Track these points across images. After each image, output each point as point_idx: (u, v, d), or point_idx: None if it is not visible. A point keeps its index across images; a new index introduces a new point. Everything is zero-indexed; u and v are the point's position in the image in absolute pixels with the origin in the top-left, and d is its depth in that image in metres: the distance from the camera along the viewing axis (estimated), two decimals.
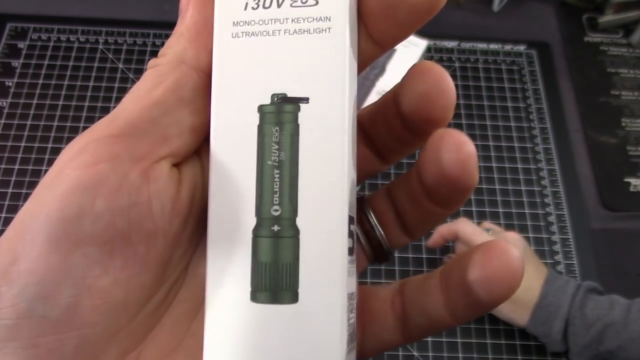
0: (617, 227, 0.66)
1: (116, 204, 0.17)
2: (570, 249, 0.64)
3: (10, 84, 0.70)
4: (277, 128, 0.18)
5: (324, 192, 0.18)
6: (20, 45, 0.73)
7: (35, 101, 0.69)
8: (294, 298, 0.18)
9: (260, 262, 0.18)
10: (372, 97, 0.63)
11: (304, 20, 0.18)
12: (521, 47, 0.78)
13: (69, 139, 0.66)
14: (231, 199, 0.18)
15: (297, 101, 0.18)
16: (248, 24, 0.19)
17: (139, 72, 0.72)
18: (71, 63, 0.73)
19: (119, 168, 0.17)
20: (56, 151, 0.66)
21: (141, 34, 0.76)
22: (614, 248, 0.64)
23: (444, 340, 0.58)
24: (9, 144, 0.66)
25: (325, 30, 0.18)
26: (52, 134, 0.67)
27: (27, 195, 0.63)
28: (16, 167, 0.65)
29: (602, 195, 0.67)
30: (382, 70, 0.65)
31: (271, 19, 0.18)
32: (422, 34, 0.73)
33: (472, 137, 0.69)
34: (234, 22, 0.19)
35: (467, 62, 0.76)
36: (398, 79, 0.20)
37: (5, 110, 0.68)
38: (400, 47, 0.67)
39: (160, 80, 0.18)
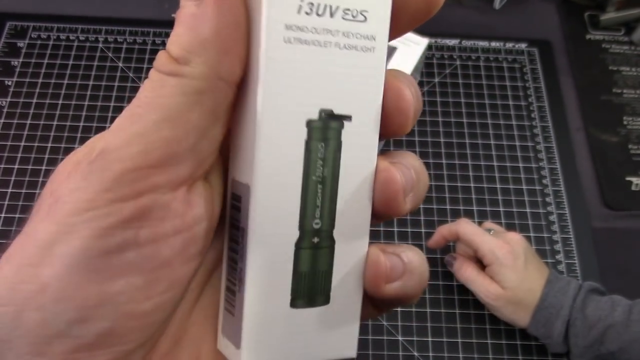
0: (618, 226, 0.66)
1: (160, 234, 0.17)
2: (571, 248, 0.63)
3: (9, 83, 0.70)
4: (322, 144, 0.18)
5: (357, 205, 0.19)
6: (20, 44, 0.73)
7: (34, 100, 0.69)
8: (326, 300, 0.20)
9: (300, 272, 0.19)
10: None
11: (353, 35, 0.18)
12: (522, 45, 0.78)
13: (69, 139, 0.66)
14: (275, 210, 0.18)
15: (342, 118, 0.18)
16: (301, 30, 0.18)
17: (139, 71, 0.72)
18: (71, 62, 0.72)
19: (161, 199, 0.17)
20: (56, 150, 0.66)
21: (141, 32, 0.75)
22: (616, 247, 0.64)
23: (444, 340, 0.58)
24: (9, 143, 0.66)
25: (371, 49, 0.18)
26: (52, 133, 0.67)
27: (27, 195, 0.62)
28: (16, 166, 0.65)
29: (604, 194, 0.67)
30: None
31: (324, 29, 0.18)
32: (422, 32, 0.72)
33: (473, 135, 0.69)
34: (286, 25, 0.17)
35: (469, 60, 0.76)
36: None
37: (5, 110, 0.68)
38: (401, 46, 0.67)
39: (196, 99, 0.17)
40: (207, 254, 0.20)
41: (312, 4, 0.18)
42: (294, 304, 0.19)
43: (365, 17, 0.18)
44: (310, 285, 0.19)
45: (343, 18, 0.18)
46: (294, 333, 0.19)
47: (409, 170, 0.19)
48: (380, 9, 0.18)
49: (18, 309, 0.16)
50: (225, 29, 0.17)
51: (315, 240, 0.19)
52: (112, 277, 0.16)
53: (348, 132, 0.19)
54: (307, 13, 0.18)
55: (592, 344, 0.51)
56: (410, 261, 0.20)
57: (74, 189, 0.16)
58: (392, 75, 0.19)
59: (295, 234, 0.19)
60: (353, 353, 0.20)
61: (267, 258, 0.19)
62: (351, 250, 0.19)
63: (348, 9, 0.18)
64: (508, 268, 0.53)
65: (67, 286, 0.16)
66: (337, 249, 0.19)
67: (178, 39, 0.17)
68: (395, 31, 0.19)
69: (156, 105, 0.17)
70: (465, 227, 0.56)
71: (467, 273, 0.56)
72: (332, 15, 0.18)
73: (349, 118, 0.19)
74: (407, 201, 0.19)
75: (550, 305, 0.53)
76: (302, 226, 0.19)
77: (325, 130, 0.18)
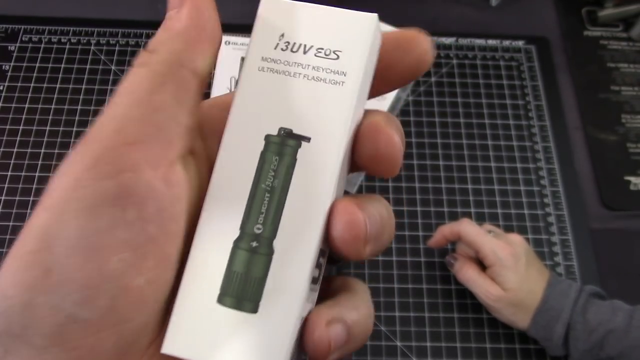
0: (617, 227, 0.65)
1: (146, 212, 0.18)
2: (570, 250, 0.63)
3: (1, 88, 0.69)
4: (277, 157, 0.20)
5: (303, 223, 0.20)
6: (11, 47, 0.72)
7: (26, 105, 0.68)
8: (254, 309, 0.20)
9: (233, 271, 0.20)
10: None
11: (323, 70, 0.21)
12: (520, 43, 0.77)
13: (62, 144, 0.65)
14: (223, 209, 0.20)
15: (300, 138, 0.20)
16: (274, 62, 0.21)
17: None
18: (63, 65, 0.71)
19: (142, 177, 0.18)
20: (49, 156, 0.65)
21: (133, 34, 0.74)
22: (615, 248, 0.64)
23: (443, 345, 0.57)
24: (1, 149, 0.65)
25: (340, 83, 0.20)
26: (45, 139, 0.66)
27: (19, 203, 0.62)
28: (8, 173, 0.64)
29: (602, 194, 0.67)
30: None
31: (295, 62, 0.21)
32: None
33: (470, 135, 0.69)
34: (262, 57, 0.21)
35: (465, 58, 0.75)
36: None
37: None
38: None
39: (159, 82, 0.19)
40: None
41: (288, 42, 0.21)
42: (220, 299, 0.20)
43: (338, 55, 0.21)
44: (240, 287, 0.20)
45: (315, 55, 0.21)
46: (219, 333, 0.20)
47: (377, 219, 0.20)
48: (356, 51, 0.21)
49: (27, 297, 0.17)
50: (193, 27, 0.20)
51: (254, 244, 0.20)
52: (107, 254, 0.17)
53: (309, 152, 0.20)
54: (282, 49, 0.21)
55: (592, 348, 0.51)
56: (355, 324, 0.20)
57: (62, 173, 0.18)
58: (383, 121, 0.21)
59: (236, 233, 0.20)
60: None
61: (206, 250, 0.20)
62: (292, 267, 0.20)
63: (321, 48, 0.21)
64: (509, 269, 0.53)
65: (68, 268, 0.17)
66: (275, 262, 0.20)
67: (154, 37, 0.20)
68: (385, 86, 0.22)
69: (126, 93, 0.19)
70: (467, 228, 0.56)
71: (468, 274, 0.56)
72: (305, 52, 0.21)
73: (307, 139, 0.20)
74: (366, 249, 0.20)
75: (551, 307, 0.52)
76: (243, 227, 0.20)
77: (281, 145, 0.20)
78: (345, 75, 0.20)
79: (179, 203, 0.19)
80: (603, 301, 0.53)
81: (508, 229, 0.63)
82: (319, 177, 0.20)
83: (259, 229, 0.20)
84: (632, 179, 0.68)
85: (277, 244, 0.20)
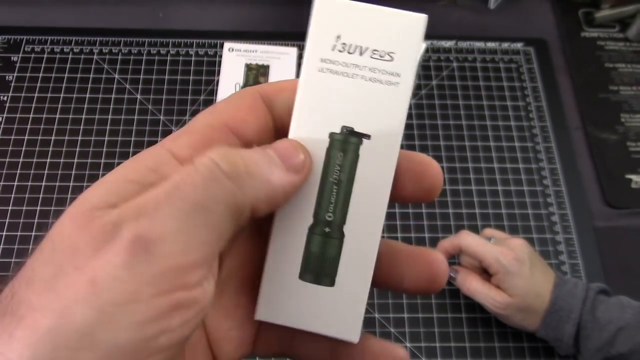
0: (620, 224, 0.66)
1: (187, 320, 0.19)
2: (574, 248, 0.64)
3: (5, 98, 0.69)
4: (341, 153, 0.22)
5: (368, 210, 0.22)
6: (14, 58, 0.73)
7: (31, 115, 0.69)
8: (331, 282, 0.23)
9: (311, 252, 0.23)
10: None
11: (379, 71, 0.22)
12: (518, 45, 0.78)
13: (67, 153, 0.66)
14: (296, 200, 0.23)
15: (361, 136, 0.22)
16: (333, 63, 0.22)
17: (136, 82, 0.72)
18: (66, 75, 0.72)
19: (192, 294, 0.19)
20: (55, 166, 0.65)
21: (136, 42, 0.75)
22: (618, 246, 0.64)
23: (452, 345, 0.58)
24: (7, 160, 0.66)
25: (395, 84, 0.22)
26: (50, 148, 0.67)
27: (27, 212, 0.62)
28: (15, 183, 0.64)
29: (605, 192, 0.67)
30: None
31: (353, 64, 0.22)
32: None
33: (473, 137, 0.69)
34: (321, 59, 0.23)
35: (465, 61, 0.76)
36: None
37: (1, 126, 0.68)
38: None
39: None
40: None
41: (344, 44, 0.22)
42: (302, 276, 0.23)
43: (392, 57, 0.22)
44: (317, 265, 0.23)
45: (371, 57, 0.22)
46: (302, 302, 0.23)
47: None
48: (408, 53, 0.22)
49: None
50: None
51: (327, 229, 0.23)
52: (145, 358, 0.18)
53: (369, 149, 0.22)
54: (339, 51, 0.22)
55: (603, 346, 0.51)
56: None
57: (116, 277, 0.18)
58: (434, 163, 0.23)
59: (310, 220, 0.23)
60: (355, 338, 0.22)
61: (285, 236, 0.23)
62: (361, 248, 0.23)
63: (376, 50, 0.22)
64: (514, 275, 0.53)
65: None
66: (347, 243, 0.23)
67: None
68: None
69: (197, 206, 0.19)
70: (467, 239, 0.56)
71: (472, 286, 0.55)
72: (361, 54, 0.22)
73: (367, 137, 0.22)
74: None
75: (560, 308, 0.53)
76: (316, 215, 0.23)
77: (344, 142, 0.22)
78: (399, 77, 0.22)
79: (210, 303, 0.20)
80: (610, 298, 0.53)
81: (512, 228, 0.64)
82: (380, 169, 0.22)
83: (329, 216, 0.23)
84: (633, 177, 0.69)
85: (347, 229, 0.23)
